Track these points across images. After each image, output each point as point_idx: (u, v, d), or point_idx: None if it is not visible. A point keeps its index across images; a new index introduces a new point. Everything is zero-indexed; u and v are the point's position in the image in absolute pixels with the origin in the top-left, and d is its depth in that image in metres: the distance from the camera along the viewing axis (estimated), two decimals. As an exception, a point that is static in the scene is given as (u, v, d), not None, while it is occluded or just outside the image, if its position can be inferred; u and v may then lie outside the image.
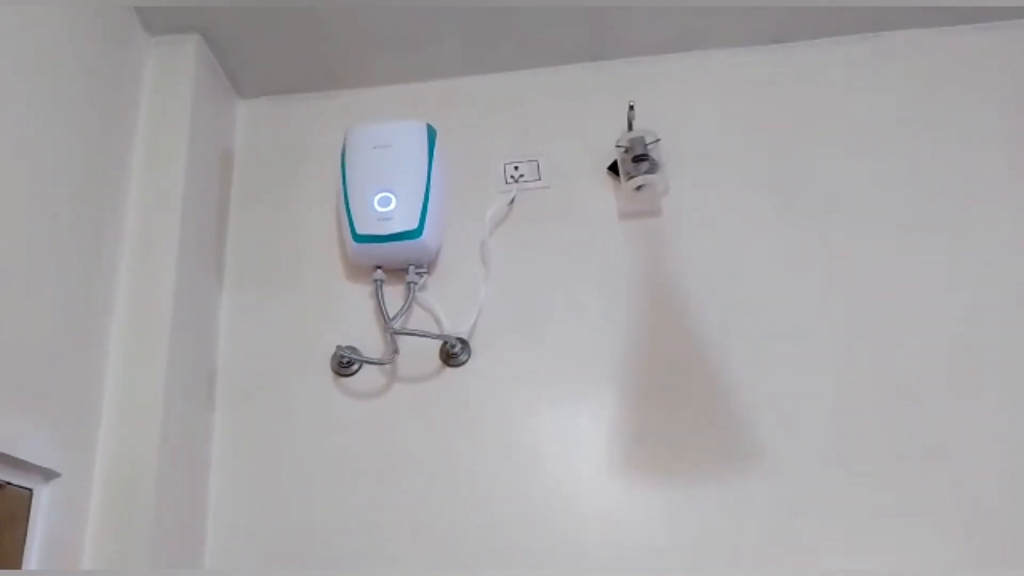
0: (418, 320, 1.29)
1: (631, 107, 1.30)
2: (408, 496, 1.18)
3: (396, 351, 1.24)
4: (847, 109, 1.38)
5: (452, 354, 1.25)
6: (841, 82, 1.40)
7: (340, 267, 1.34)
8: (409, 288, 1.26)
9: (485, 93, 1.45)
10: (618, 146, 1.31)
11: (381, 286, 1.26)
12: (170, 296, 1.14)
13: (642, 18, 1.35)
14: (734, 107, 1.40)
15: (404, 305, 1.25)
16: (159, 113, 1.26)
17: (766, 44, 1.43)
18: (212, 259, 1.32)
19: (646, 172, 1.26)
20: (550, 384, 1.23)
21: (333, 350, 1.25)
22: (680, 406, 1.20)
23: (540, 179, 1.37)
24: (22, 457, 0.88)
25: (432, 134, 1.31)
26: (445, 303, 1.29)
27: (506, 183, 1.37)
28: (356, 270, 1.32)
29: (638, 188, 1.28)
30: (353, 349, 1.26)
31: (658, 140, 1.29)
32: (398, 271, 1.28)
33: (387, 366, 1.26)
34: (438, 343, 1.26)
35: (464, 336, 1.26)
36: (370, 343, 1.28)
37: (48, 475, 0.94)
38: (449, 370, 1.25)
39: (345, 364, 1.26)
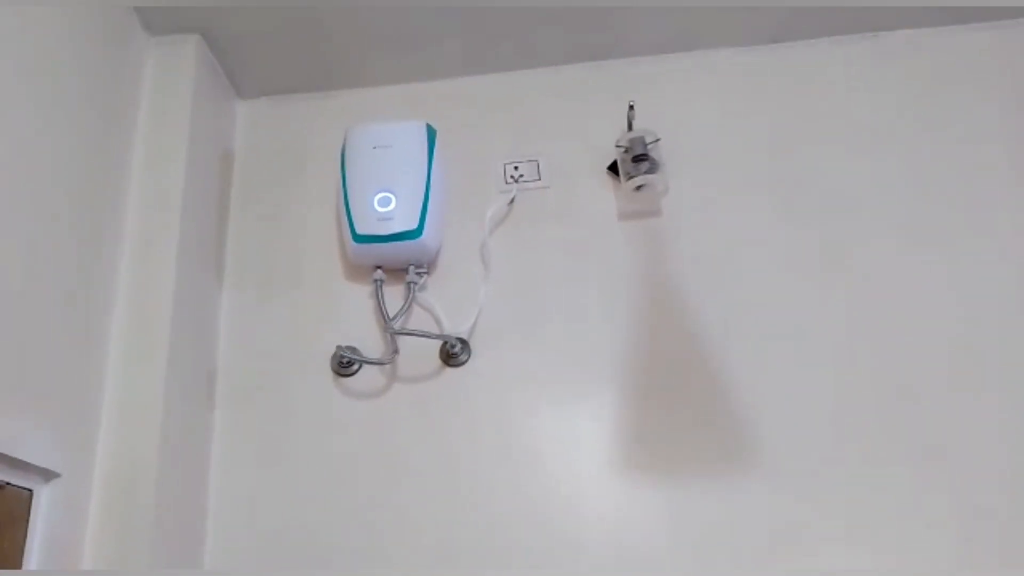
0: (418, 320, 1.29)
1: (631, 107, 1.30)
2: (408, 496, 1.18)
3: (396, 351, 1.24)
4: (847, 109, 1.37)
5: (452, 354, 1.25)
6: (841, 82, 1.40)
7: (340, 267, 1.34)
8: (409, 288, 1.26)
9: (485, 93, 1.45)
10: (618, 146, 1.31)
11: (381, 286, 1.26)
12: (170, 296, 1.14)
13: (642, 18, 1.35)
14: (734, 107, 1.39)
15: (404, 305, 1.25)
16: (159, 113, 1.26)
17: (766, 44, 1.43)
18: (212, 259, 1.32)
19: (646, 172, 1.26)
20: (550, 384, 1.23)
21: (333, 350, 1.25)
22: (680, 406, 1.20)
23: (540, 179, 1.37)
24: (22, 457, 0.88)
25: (432, 134, 1.31)
26: (445, 303, 1.29)
27: (506, 183, 1.37)
28: (356, 270, 1.32)
29: (638, 188, 1.28)
30: (353, 349, 1.26)
31: (658, 140, 1.29)
32: (398, 271, 1.28)
33: (387, 366, 1.26)
34: (438, 343, 1.26)
35: (464, 336, 1.26)
36: (370, 343, 1.28)
37: (48, 475, 0.94)
38: (449, 370, 1.25)
39: (345, 364, 1.26)
